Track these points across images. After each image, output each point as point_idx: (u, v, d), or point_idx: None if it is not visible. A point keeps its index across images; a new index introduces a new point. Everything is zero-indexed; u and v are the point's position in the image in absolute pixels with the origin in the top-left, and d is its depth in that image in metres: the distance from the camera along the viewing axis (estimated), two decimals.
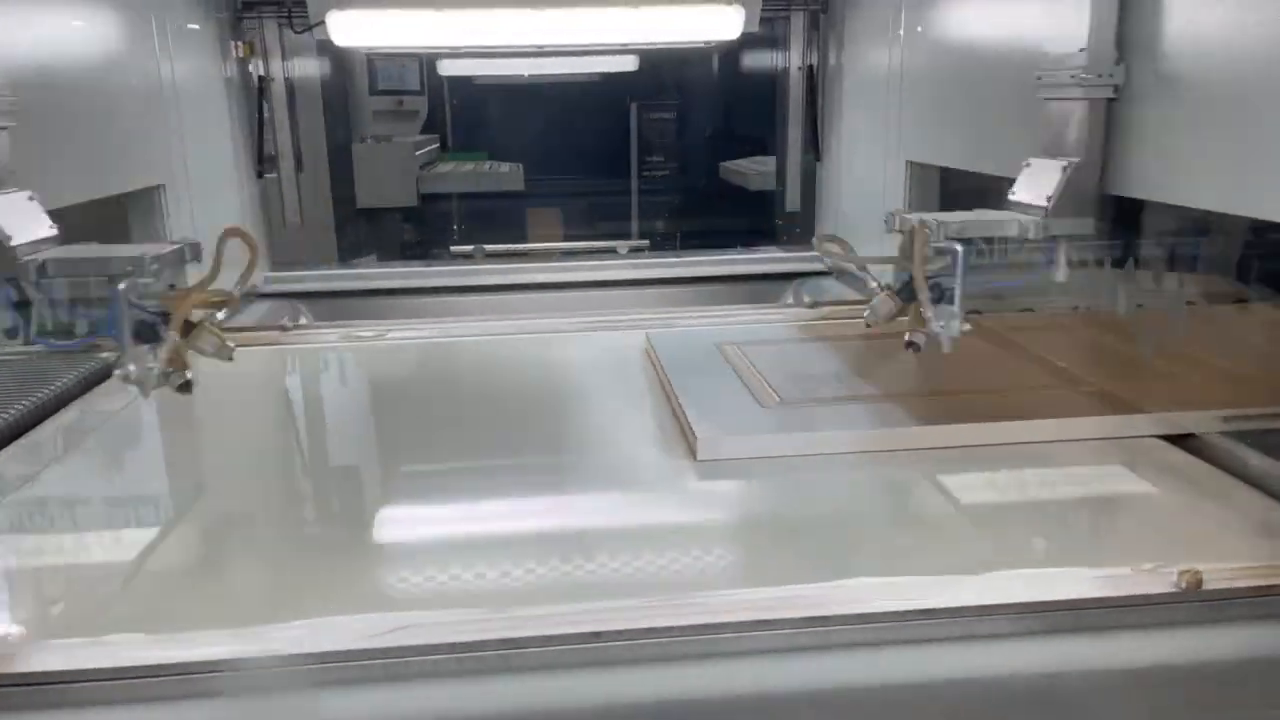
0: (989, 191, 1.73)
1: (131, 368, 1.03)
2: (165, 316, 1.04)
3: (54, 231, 1.13)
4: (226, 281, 1.04)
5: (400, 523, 1.00)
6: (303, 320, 1.97)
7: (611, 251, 2.24)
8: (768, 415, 1.14)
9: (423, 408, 1.29)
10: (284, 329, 1.67)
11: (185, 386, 1.06)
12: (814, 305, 1.74)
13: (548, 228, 4.17)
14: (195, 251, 1.14)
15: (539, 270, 2.13)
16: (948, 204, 1.73)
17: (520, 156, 4.00)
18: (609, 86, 4.25)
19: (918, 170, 1.67)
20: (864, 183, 1.86)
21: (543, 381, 1.38)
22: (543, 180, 4.03)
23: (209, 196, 1.80)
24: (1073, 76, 1.15)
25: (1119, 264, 1.59)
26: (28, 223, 1.10)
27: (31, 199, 1.14)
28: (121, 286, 1.02)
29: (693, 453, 1.05)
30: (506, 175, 3.79)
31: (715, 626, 0.72)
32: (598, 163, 4.41)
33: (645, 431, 1.15)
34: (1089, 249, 1.62)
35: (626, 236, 4.09)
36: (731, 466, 1.04)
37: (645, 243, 2.32)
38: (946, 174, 1.68)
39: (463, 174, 3.78)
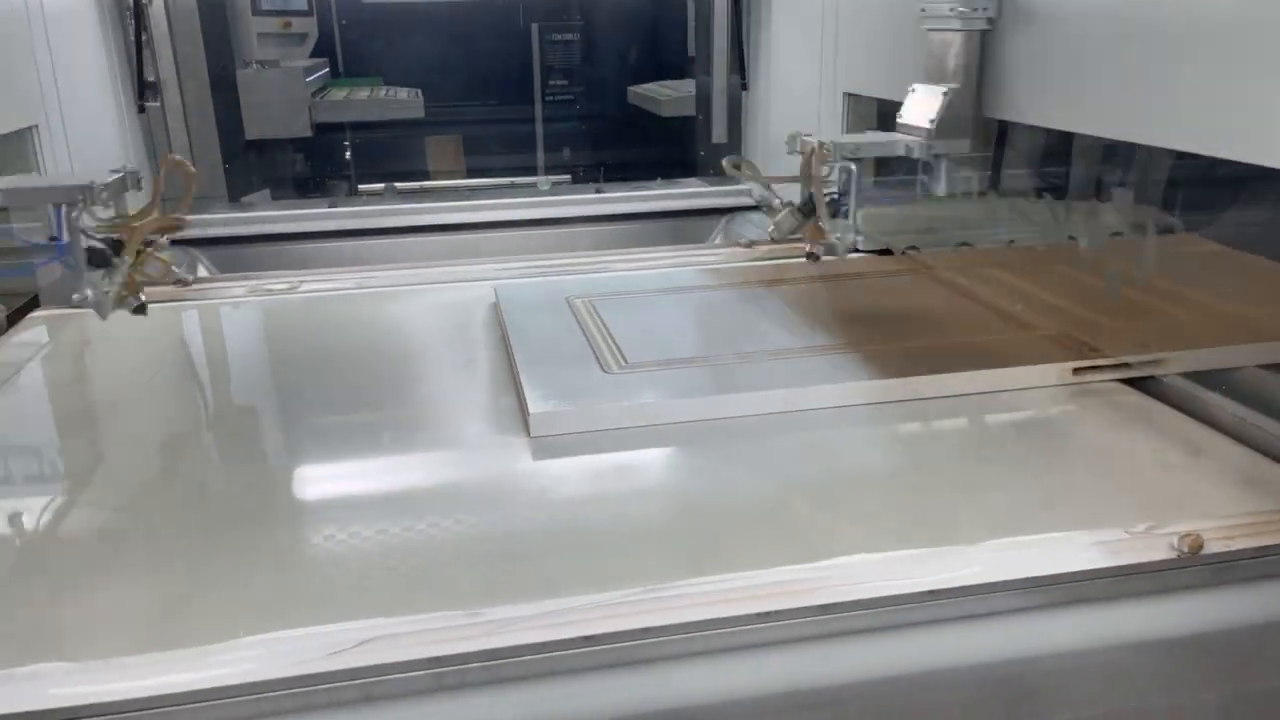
0: None
1: (89, 293, 1.07)
2: (115, 244, 1.08)
3: None
4: None
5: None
6: (202, 271, 1.82)
7: (531, 187, 2.13)
8: (611, 381, 1.07)
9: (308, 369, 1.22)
10: (184, 283, 1.53)
11: (140, 309, 1.13)
12: (750, 245, 1.69)
13: (449, 159, 4.00)
14: (135, 180, 1.14)
15: (453, 210, 2.01)
16: None
17: (416, 81, 3.80)
18: (507, 5, 4.06)
19: (855, 103, 1.61)
20: (796, 116, 1.80)
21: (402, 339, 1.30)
22: (441, 107, 3.83)
23: (87, 134, 1.62)
24: (951, 10, 1.24)
25: (1057, 195, 1.58)
26: None
27: None
28: (74, 214, 1.05)
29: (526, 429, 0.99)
30: (406, 102, 3.57)
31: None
32: (498, 88, 4.22)
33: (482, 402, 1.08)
34: (1022, 179, 1.62)
35: (533, 167, 3.96)
36: (570, 443, 0.97)
37: (567, 177, 2.22)
38: (884, 107, 1.63)
39: (359, 102, 3.56)
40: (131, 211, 1.12)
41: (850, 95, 1.60)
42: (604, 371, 1.10)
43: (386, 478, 0.95)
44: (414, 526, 0.82)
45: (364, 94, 3.65)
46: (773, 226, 1.28)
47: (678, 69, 3.56)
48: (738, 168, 1.31)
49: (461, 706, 0.65)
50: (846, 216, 1.25)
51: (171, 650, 0.66)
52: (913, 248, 1.60)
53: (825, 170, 1.23)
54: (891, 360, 1.10)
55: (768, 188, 1.33)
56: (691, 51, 3.50)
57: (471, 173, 3.77)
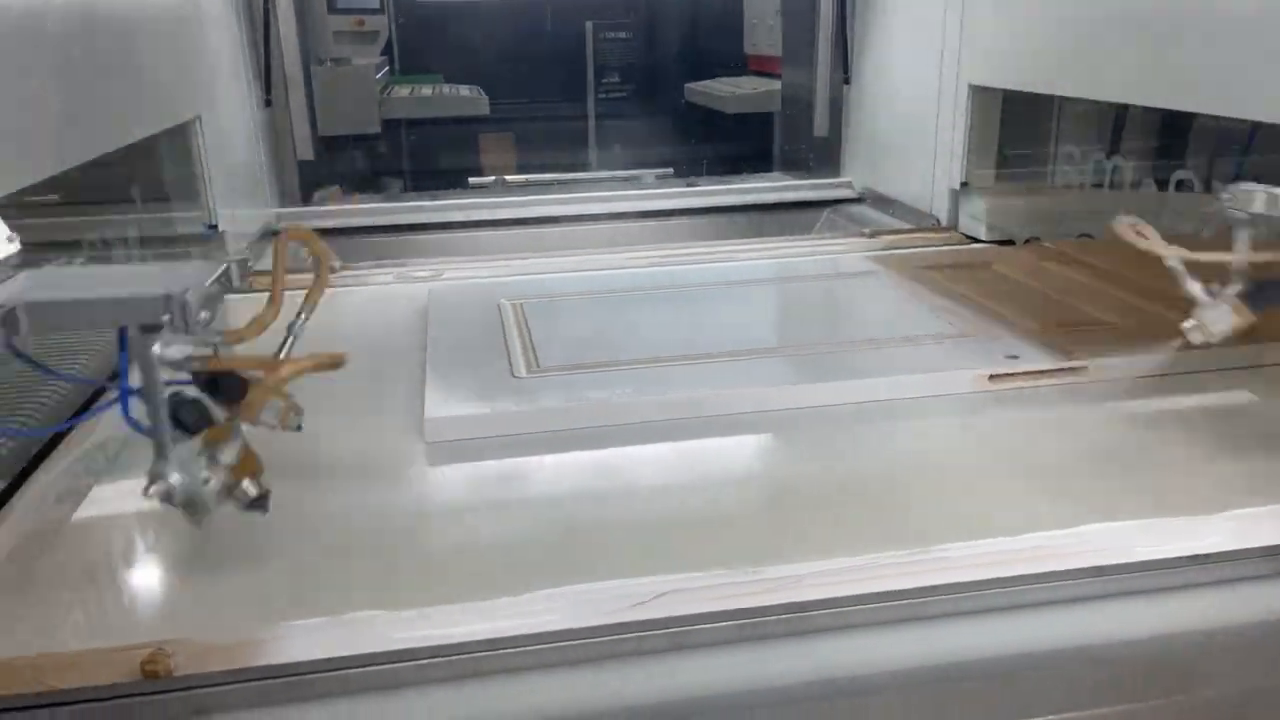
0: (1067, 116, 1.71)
1: (175, 479, 0.65)
2: (212, 383, 0.67)
3: (14, 246, 0.68)
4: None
5: None
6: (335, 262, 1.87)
7: (635, 180, 2.17)
8: (515, 386, 1.04)
9: None
10: (333, 270, 1.57)
11: (260, 502, 0.69)
12: (874, 234, 1.72)
13: (502, 155, 4.03)
14: (243, 270, 0.79)
15: (563, 202, 2.05)
16: (1009, 136, 1.71)
17: (472, 78, 3.85)
18: (562, 4, 4.09)
19: (980, 96, 1.64)
20: (907, 113, 1.83)
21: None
22: (494, 104, 3.88)
23: (226, 130, 1.66)
24: None
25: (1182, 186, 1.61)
26: None
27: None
28: (155, 350, 0.63)
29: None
30: (470, 100, 3.63)
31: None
32: (552, 85, 4.26)
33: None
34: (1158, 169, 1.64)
35: (587, 164, 4.00)
36: (468, 448, 0.93)
37: (669, 170, 2.26)
38: (1012, 102, 1.66)
39: (426, 98, 3.61)
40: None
41: (977, 88, 1.63)
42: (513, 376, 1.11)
43: None
44: None
45: (427, 91, 3.71)
46: (1194, 326, 0.90)
47: (734, 66, 3.60)
48: (1141, 234, 0.92)
49: (761, 658, 0.68)
50: None
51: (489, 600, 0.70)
52: (1035, 238, 1.63)
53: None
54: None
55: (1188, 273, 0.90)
56: (750, 49, 3.55)
57: (525, 170, 3.82)
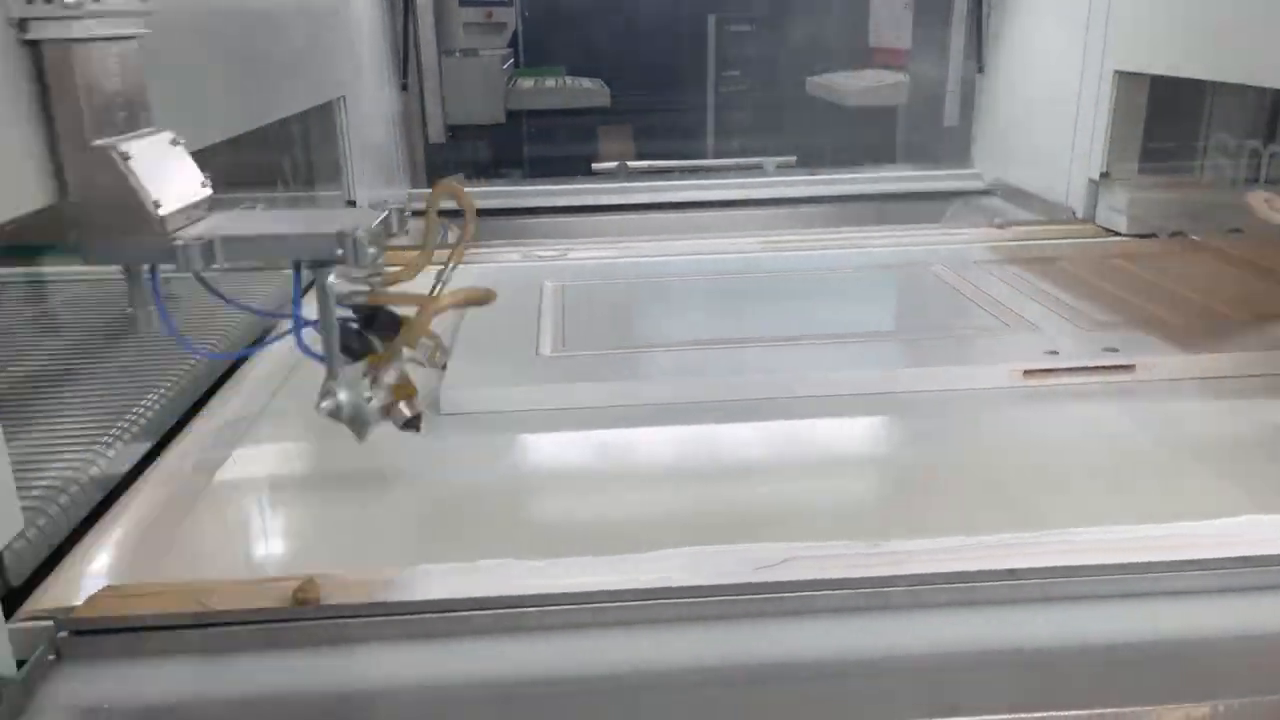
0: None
1: (343, 396, 0.71)
2: (370, 317, 0.73)
3: (208, 191, 0.75)
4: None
5: None
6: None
7: (757, 168, 2.16)
8: (536, 365, 1.10)
9: None
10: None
11: (414, 423, 0.74)
12: (1005, 226, 1.68)
13: (628, 145, 4.06)
14: (401, 219, 0.80)
15: (686, 188, 2.06)
16: (1153, 124, 1.64)
17: (597, 72, 3.89)
18: None
19: (1127, 82, 1.57)
20: (1045, 101, 1.77)
21: None
22: (620, 96, 3.91)
23: (367, 113, 1.73)
24: None
25: None
26: (175, 179, 0.72)
27: (176, 143, 0.75)
28: (331, 280, 0.69)
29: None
30: (592, 92, 3.69)
31: None
32: (673, 77, 4.28)
33: None
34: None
35: (703, 154, 4.00)
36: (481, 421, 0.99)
37: (792, 159, 2.24)
38: (1159, 88, 1.59)
39: (550, 90, 3.68)
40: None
41: (1122, 74, 1.56)
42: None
43: None
44: None
45: (549, 83, 3.78)
46: None
47: (857, 58, 3.54)
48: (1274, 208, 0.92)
49: (881, 626, 0.68)
50: None
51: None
52: (1179, 232, 1.55)
53: None
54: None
55: None
56: (874, 41, 3.49)
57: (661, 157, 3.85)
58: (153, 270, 0.71)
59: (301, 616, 0.65)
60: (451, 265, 0.73)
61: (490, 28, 3.44)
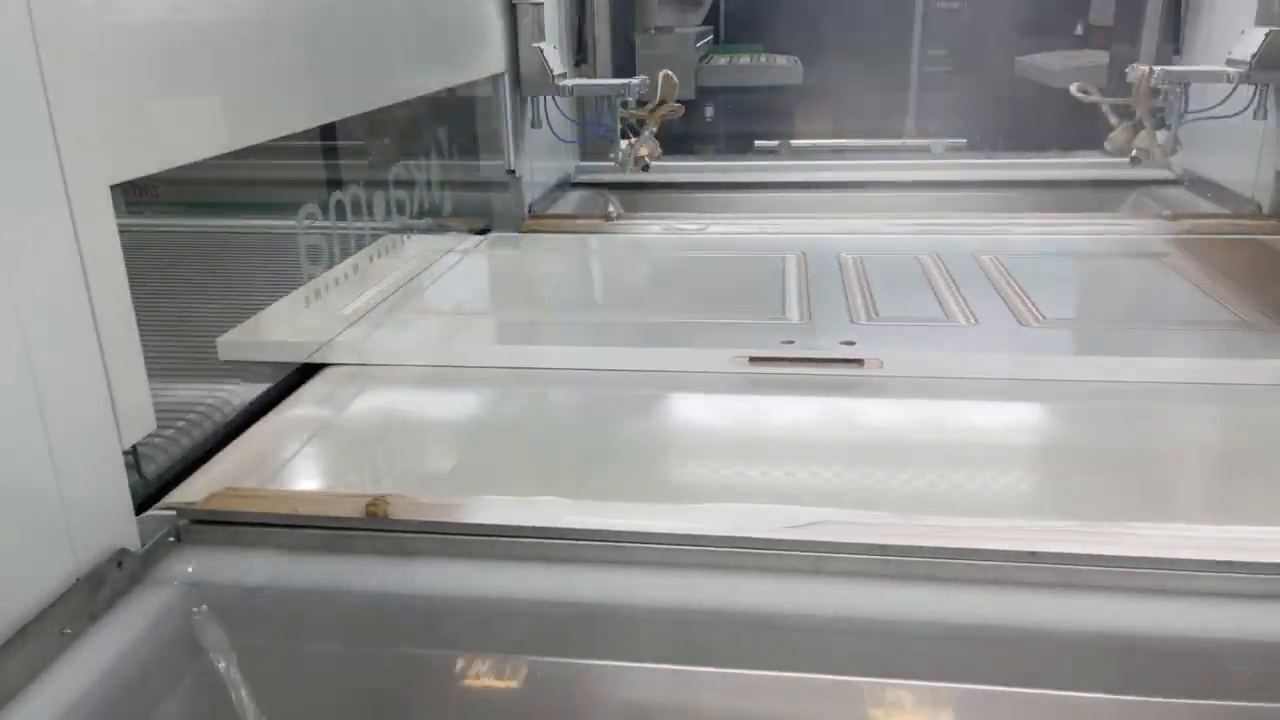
0: None
1: (623, 147, 1.78)
2: (634, 126, 1.80)
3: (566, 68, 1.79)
4: None
5: None
6: (611, 209, 2.01)
7: (925, 150, 2.11)
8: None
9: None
10: (607, 218, 1.70)
11: (646, 168, 1.80)
12: (1175, 217, 1.57)
13: (822, 124, 4.01)
14: (646, 88, 1.73)
15: (848, 168, 2.05)
16: None
17: (795, 49, 3.85)
18: None
19: None
20: (1239, 89, 1.62)
21: None
22: (818, 74, 3.86)
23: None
24: None
25: None
26: (557, 63, 1.73)
27: (555, 48, 1.76)
28: (616, 103, 1.77)
29: None
30: (785, 69, 3.65)
31: None
32: (877, 56, 4.17)
33: None
34: None
35: (905, 135, 3.89)
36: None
37: (963, 141, 2.18)
38: None
39: (740, 67, 3.69)
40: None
41: None
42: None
43: None
44: None
45: (744, 60, 3.78)
46: (1108, 142, 1.71)
47: (1071, 38, 3.34)
48: (1085, 93, 1.70)
49: (899, 595, 0.70)
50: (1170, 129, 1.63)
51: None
52: None
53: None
54: None
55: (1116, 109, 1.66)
56: (1095, 20, 3.27)
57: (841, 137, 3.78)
58: None
59: (371, 527, 0.75)
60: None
61: (687, 4, 3.51)
